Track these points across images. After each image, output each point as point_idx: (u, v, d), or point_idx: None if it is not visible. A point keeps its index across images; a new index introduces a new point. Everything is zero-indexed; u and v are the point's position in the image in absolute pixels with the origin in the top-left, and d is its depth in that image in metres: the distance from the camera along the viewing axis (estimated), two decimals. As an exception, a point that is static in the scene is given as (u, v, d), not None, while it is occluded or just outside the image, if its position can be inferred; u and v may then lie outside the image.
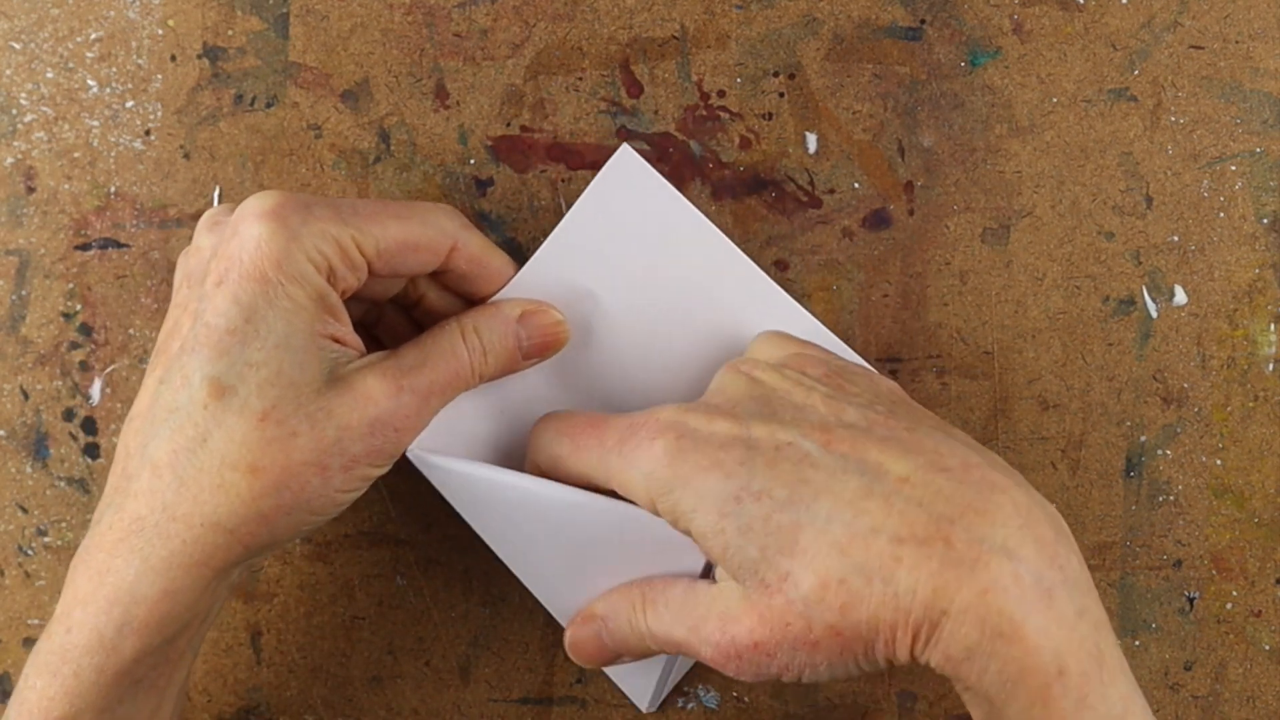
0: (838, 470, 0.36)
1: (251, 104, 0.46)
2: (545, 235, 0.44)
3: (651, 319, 0.45)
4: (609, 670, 0.46)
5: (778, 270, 0.46)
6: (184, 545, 0.37)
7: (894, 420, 0.37)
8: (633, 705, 0.46)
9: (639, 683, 0.46)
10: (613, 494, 0.40)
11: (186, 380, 0.37)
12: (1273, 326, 0.46)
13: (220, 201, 0.46)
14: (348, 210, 0.39)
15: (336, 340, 0.38)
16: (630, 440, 0.38)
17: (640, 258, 0.45)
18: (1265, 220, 0.46)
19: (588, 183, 0.44)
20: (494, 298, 0.43)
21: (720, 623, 0.37)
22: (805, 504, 0.35)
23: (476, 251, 0.42)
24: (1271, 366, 0.46)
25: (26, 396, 0.46)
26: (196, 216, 0.46)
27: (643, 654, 0.41)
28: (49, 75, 0.46)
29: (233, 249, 0.37)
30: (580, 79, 0.46)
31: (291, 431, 0.37)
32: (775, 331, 0.44)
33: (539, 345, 0.43)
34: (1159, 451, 0.46)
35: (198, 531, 0.37)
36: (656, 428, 0.38)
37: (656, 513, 0.38)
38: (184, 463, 0.37)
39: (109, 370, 0.46)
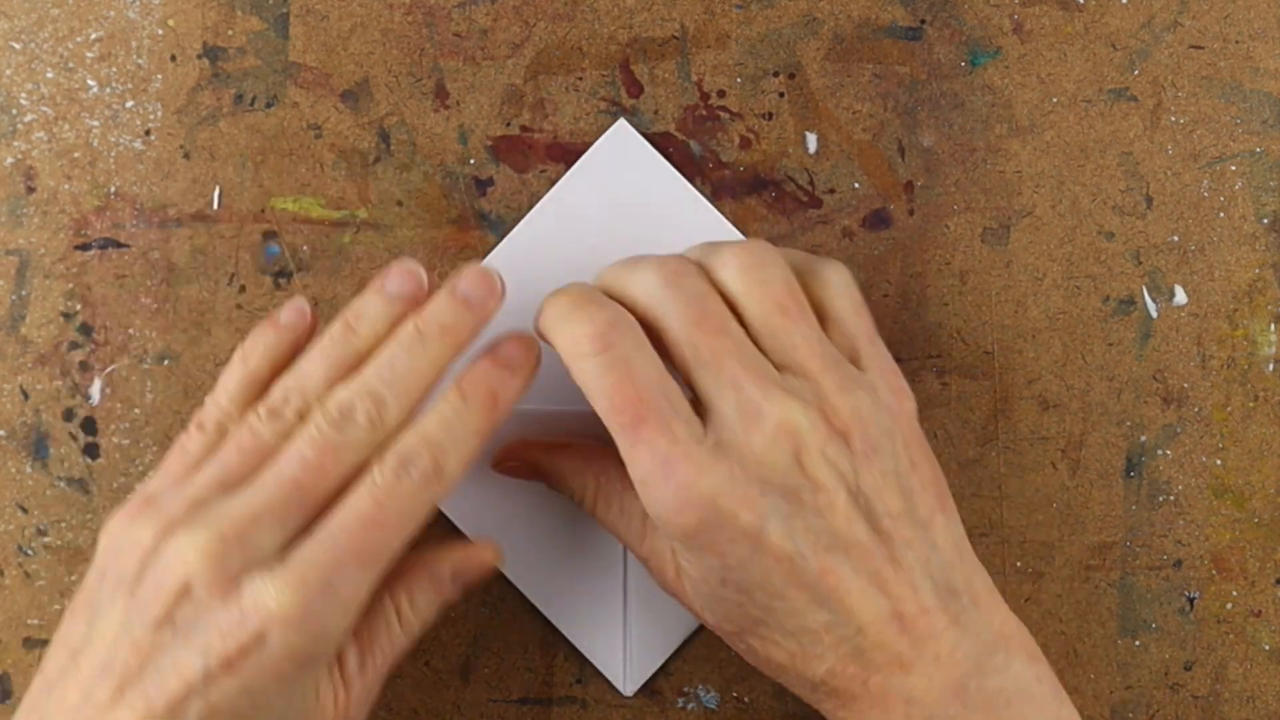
0: (814, 602, 0.37)
1: (251, 104, 0.46)
2: (545, 235, 0.44)
3: None
4: (590, 656, 0.46)
5: (778, 270, 0.46)
6: None
7: (897, 530, 0.38)
8: (633, 705, 0.46)
9: (610, 661, 0.46)
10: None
11: None
12: (1273, 326, 0.46)
13: (220, 202, 0.46)
14: (370, 557, 0.37)
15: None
16: (662, 479, 0.37)
17: (632, 230, 0.45)
18: (1265, 220, 0.46)
19: (588, 183, 0.45)
20: (463, 273, 0.41)
21: (674, 580, 0.40)
22: (777, 616, 0.38)
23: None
24: (1271, 366, 0.46)
25: (26, 396, 0.46)
26: (196, 216, 0.46)
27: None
28: (49, 75, 0.46)
29: (247, 643, 0.35)
30: (580, 79, 0.46)
31: None
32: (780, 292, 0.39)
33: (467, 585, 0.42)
34: (1159, 451, 0.46)
35: None
36: (695, 498, 0.36)
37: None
38: None
39: (109, 370, 0.46)
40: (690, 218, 0.45)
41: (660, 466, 0.36)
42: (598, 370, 0.37)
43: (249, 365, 0.40)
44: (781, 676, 0.39)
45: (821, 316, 0.39)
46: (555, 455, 0.43)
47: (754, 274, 0.38)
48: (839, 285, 0.40)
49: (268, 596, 0.36)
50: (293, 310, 0.41)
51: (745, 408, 0.37)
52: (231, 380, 0.40)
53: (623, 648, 0.46)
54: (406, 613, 0.40)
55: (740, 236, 0.45)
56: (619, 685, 0.46)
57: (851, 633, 0.37)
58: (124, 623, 0.36)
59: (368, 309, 0.39)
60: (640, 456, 0.37)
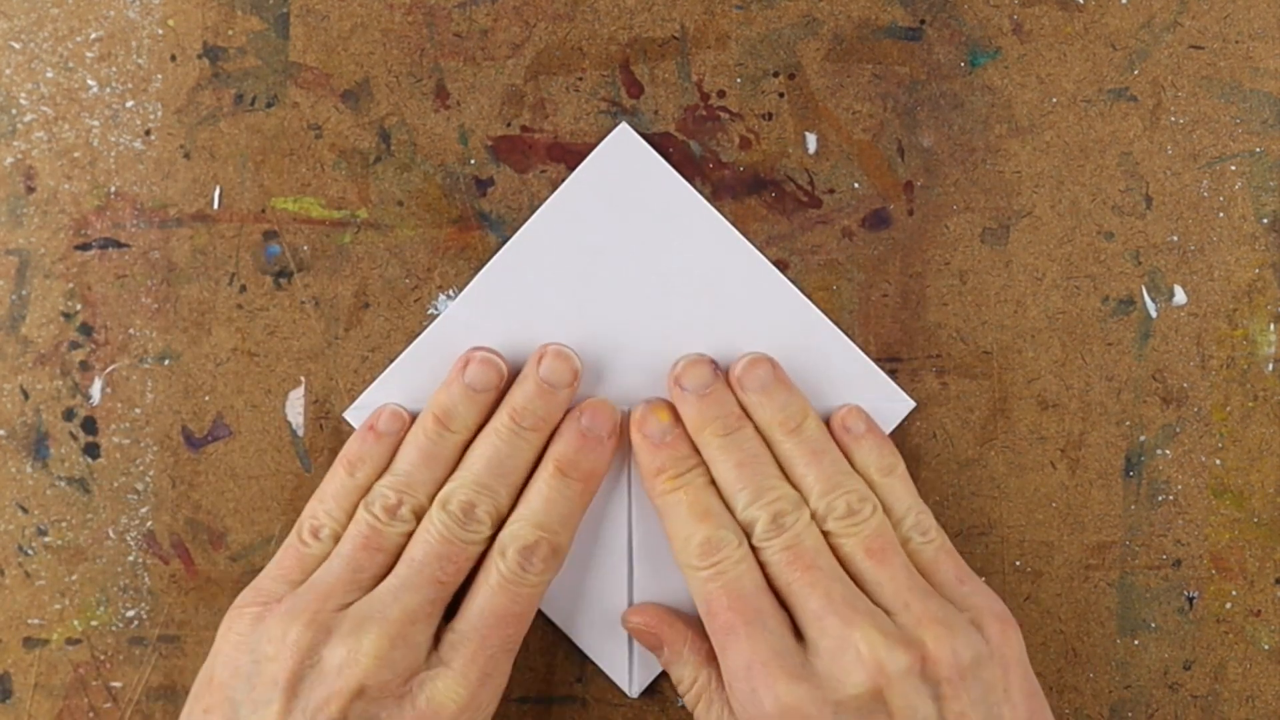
0: None
1: (252, 104, 0.46)
2: (545, 235, 0.44)
3: (643, 295, 0.45)
4: (595, 657, 0.46)
5: (778, 270, 0.46)
6: None
7: None
8: (633, 705, 0.47)
9: (615, 662, 0.46)
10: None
11: None
12: (1272, 326, 0.46)
13: (221, 202, 0.46)
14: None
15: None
16: (745, 682, 0.40)
17: (634, 234, 0.45)
18: (1265, 220, 0.46)
19: (588, 183, 0.44)
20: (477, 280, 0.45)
21: None
22: None
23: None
24: (1271, 366, 0.46)
25: (26, 396, 0.46)
26: (196, 216, 0.46)
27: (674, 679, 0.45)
28: (49, 75, 0.46)
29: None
30: (580, 79, 0.46)
31: None
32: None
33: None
34: (1158, 451, 0.46)
35: None
36: (772, 706, 0.40)
37: None
38: None
39: (109, 370, 0.46)
40: (692, 221, 0.45)
41: (744, 671, 0.40)
42: (705, 578, 0.42)
43: (357, 478, 0.43)
44: None
45: (914, 556, 0.43)
46: (683, 641, 0.44)
47: (849, 519, 0.42)
48: (929, 530, 0.43)
49: (443, 694, 0.40)
50: (392, 418, 0.44)
51: (832, 637, 0.40)
52: (337, 489, 0.43)
53: (628, 649, 0.46)
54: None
55: (744, 242, 0.45)
56: (624, 686, 0.46)
57: None
58: None
59: (458, 409, 0.43)
60: (728, 660, 0.41)
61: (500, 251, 0.45)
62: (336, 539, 0.43)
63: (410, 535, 0.42)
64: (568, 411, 0.44)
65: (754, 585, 0.41)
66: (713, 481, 0.43)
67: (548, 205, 0.45)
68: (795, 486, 0.43)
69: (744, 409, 0.44)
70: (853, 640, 0.40)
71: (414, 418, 0.44)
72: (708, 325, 0.45)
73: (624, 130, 0.45)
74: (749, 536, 0.42)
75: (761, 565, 0.42)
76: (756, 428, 0.44)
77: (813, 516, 0.42)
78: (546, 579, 0.42)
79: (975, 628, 0.41)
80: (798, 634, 0.41)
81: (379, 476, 0.43)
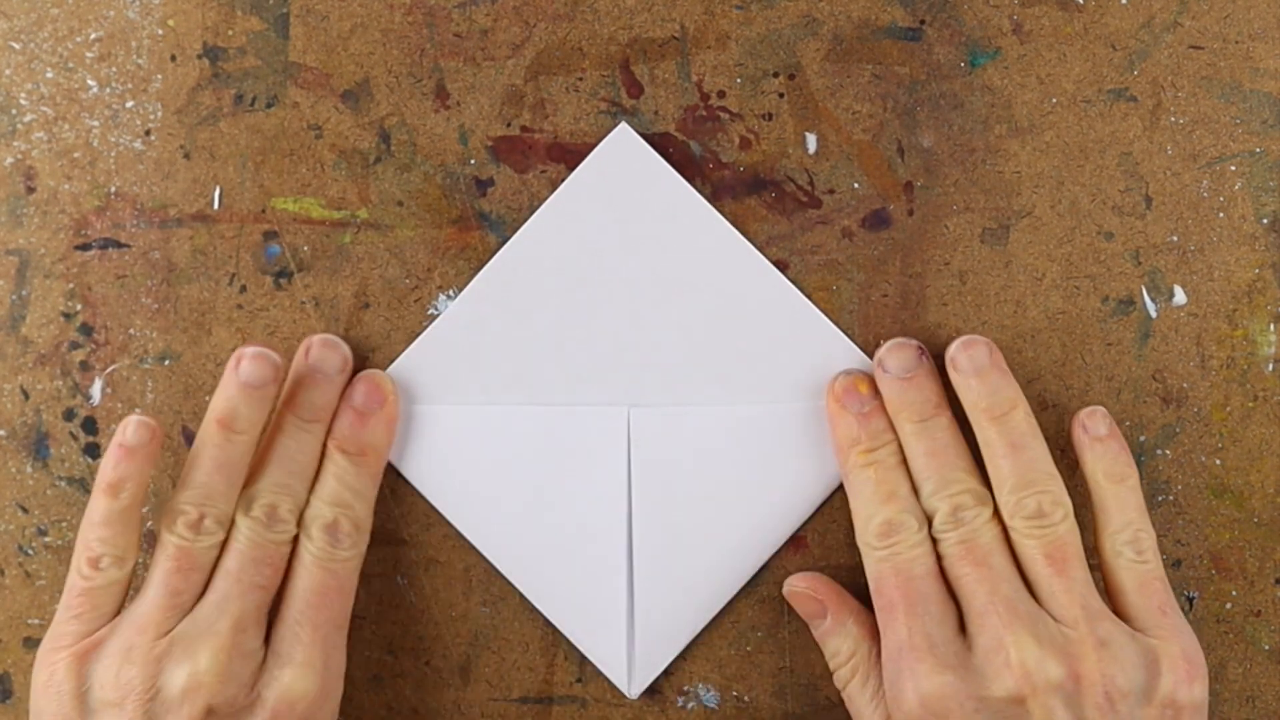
0: None
1: (252, 104, 0.46)
2: (545, 235, 0.44)
3: (643, 295, 0.45)
4: (594, 658, 0.46)
5: (778, 270, 0.46)
6: None
7: None
8: (633, 705, 0.47)
9: (614, 663, 0.46)
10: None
11: None
12: (1272, 326, 0.46)
13: (221, 202, 0.46)
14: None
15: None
16: (896, 662, 0.41)
17: (634, 234, 0.45)
18: (1265, 220, 0.46)
19: (588, 183, 0.45)
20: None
21: None
22: None
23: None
24: (1271, 366, 0.46)
25: (26, 396, 0.47)
26: (197, 216, 0.46)
27: (826, 652, 0.45)
28: (49, 75, 0.46)
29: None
30: (580, 79, 0.46)
31: None
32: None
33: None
34: (1158, 451, 0.46)
35: None
36: (915, 689, 0.40)
37: None
38: None
39: (109, 370, 0.46)
40: (692, 221, 0.45)
41: (896, 651, 0.41)
42: (877, 558, 0.42)
43: (122, 500, 0.41)
44: None
45: (1109, 577, 0.43)
46: (849, 611, 0.45)
47: (1036, 520, 0.42)
48: (1145, 550, 0.42)
49: (292, 689, 0.41)
50: (139, 428, 0.42)
51: (989, 635, 0.40)
52: (104, 512, 0.41)
53: (627, 650, 0.46)
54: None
55: (744, 242, 0.45)
56: (623, 688, 0.46)
57: None
58: None
59: (239, 409, 0.43)
60: (886, 639, 0.42)
61: (500, 251, 0.46)
62: (119, 564, 0.41)
63: (219, 546, 0.42)
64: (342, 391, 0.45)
65: (925, 570, 0.42)
66: (903, 461, 0.43)
67: (547, 205, 0.45)
68: (990, 476, 0.43)
69: (955, 389, 0.44)
70: (1006, 642, 0.40)
71: (162, 427, 0.43)
72: (707, 325, 0.45)
73: (624, 130, 0.45)
74: (930, 524, 0.42)
75: (939, 556, 0.42)
76: (965, 408, 0.43)
77: (998, 510, 0.42)
78: (357, 552, 0.43)
79: (1153, 662, 0.40)
80: (964, 629, 0.41)
81: (143, 493, 0.42)
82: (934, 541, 0.42)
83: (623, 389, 0.45)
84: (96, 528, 0.41)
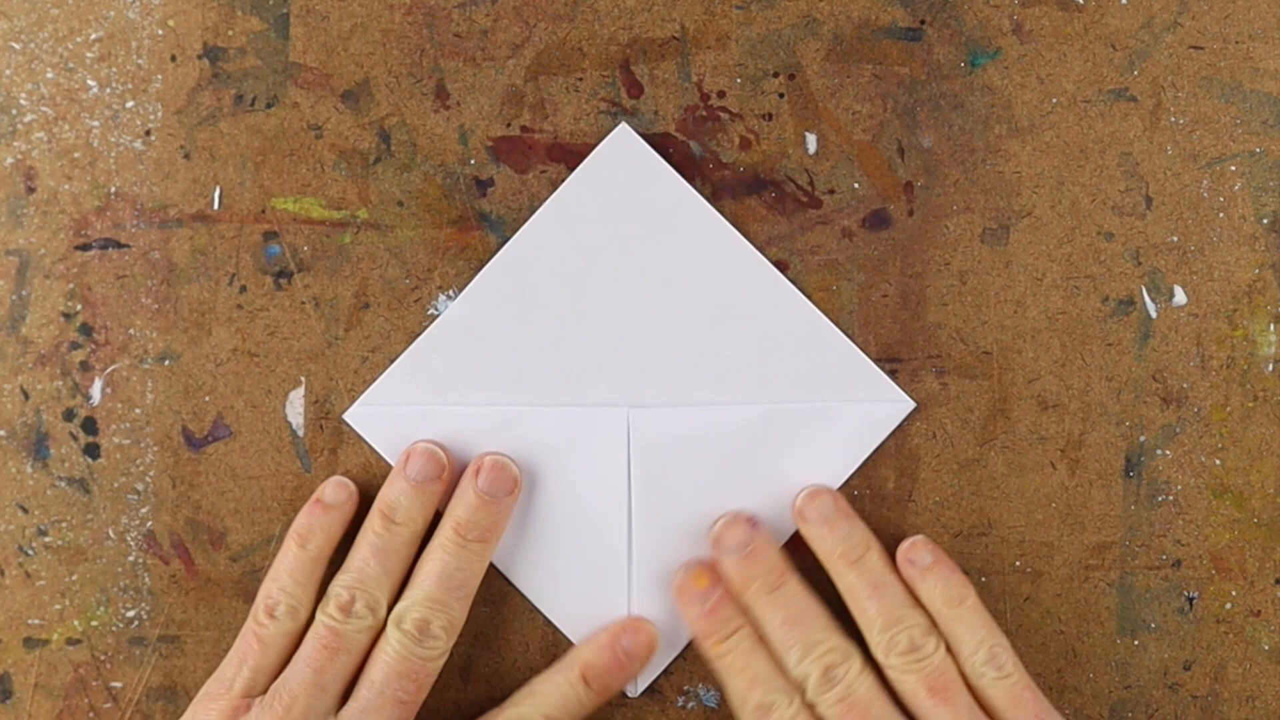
0: None
1: (252, 104, 0.46)
2: (545, 235, 0.44)
3: (643, 295, 0.45)
4: None
5: (778, 270, 0.46)
6: None
7: None
8: (632, 704, 0.47)
9: None
10: None
11: None
12: (1272, 326, 0.46)
13: (221, 202, 0.46)
14: None
15: None
16: None
17: (634, 234, 0.45)
18: (1265, 220, 0.46)
19: (588, 183, 0.45)
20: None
21: None
22: None
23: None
24: (1271, 366, 0.46)
25: (26, 396, 0.47)
26: (196, 217, 0.46)
27: None
28: (49, 75, 0.46)
29: None
30: (580, 79, 0.46)
31: None
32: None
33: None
34: (1158, 451, 0.46)
35: None
36: None
37: None
38: None
39: (109, 370, 0.46)
40: (691, 221, 0.45)
41: None
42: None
43: (309, 550, 0.44)
44: None
45: (979, 697, 0.43)
46: None
47: (912, 655, 0.42)
48: (1005, 665, 0.43)
49: None
50: (338, 488, 0.45)
51: None
52: (291, 563, 0.44)
53: None
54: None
55: (744, 242, 0.45)
56: (625, 687, 0.46)
57: None
58: None
59: (401, 502, 0.44)
60: None
61: (500, 251, 0.46)
62: (293, 615, 0.43)
63: (369, 632, 0.43)
64: (466, 469, 0.45)
65: None
66: (759, 640, 0.44)
67: (548, 205, 0.45)
68: (857, 619, 0.43)
69: (807, 540, 0.45)
70: None
71: (359, 491, 0.45)
72: (707, 326, 0.45)
73: (624, 130, 0.45)
74: (804, 693, 0.42)
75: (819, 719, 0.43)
76: (820, 557, 0.44)
77: (868, 654, 0.43)
78: (441, 650, 0.43)
79: None
80: None
81: (330, 549, 0.44)
82: (810, 707, 0.42)
83: (622, 389, 0.45)
84: (281, 576, 0.43)
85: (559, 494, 0.45)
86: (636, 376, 0.45)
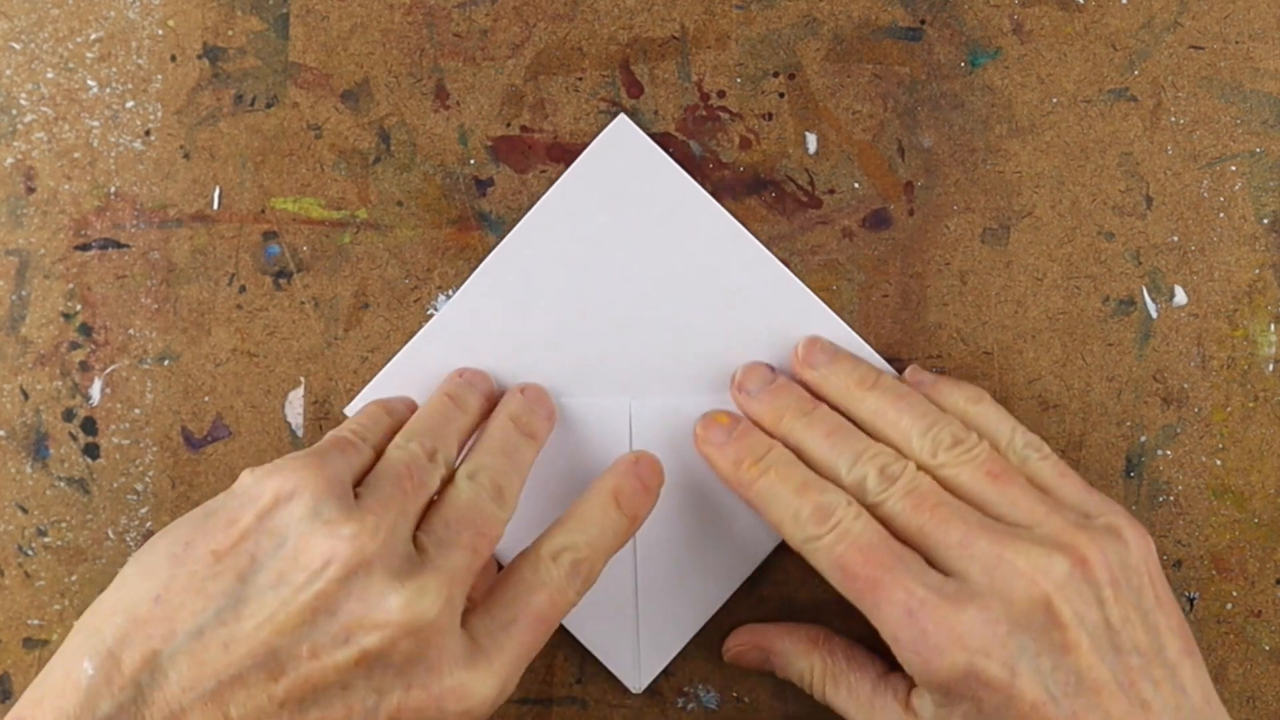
0: None
1: (251, 104, 0.46)
2: (545, 235, 0.44)
3: (644, 287, 0.45)
4: (598, 653, 0.46)
5: (779, 262, 0.46)
6: None
7: (1145, 670, 0.38)
8: (632, 705, 0.46)
9: (620, 658, 0.46)
10: None
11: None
12: (1273, 326, 0.46)
13: (220, 202, 0.46)
14: (470, 541, 0.39)
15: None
16: (911, 628, 0.38)
17: (634, 226, 0.45)
18: (1265, 220, 0.46)
19: (588, 183, 0.44)
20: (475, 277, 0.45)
21: None
22: None
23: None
24: (1271, 367, 0.46)
25: (26, 396, 0.46)
26: (196, 216, 0.46)
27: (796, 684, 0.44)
28: (49, 75, 0.46)
29: (380, 619, 0.36)
30: (580, 79, 0.46)
31: None
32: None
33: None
34: (1159, 452, 0.46)
35: None
36: (944, 642, 0.38)
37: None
38: None
39: (109, 370, 0.46)
40: (692, 212, 0.45)
41: (906, 617, 0.38)
42: (828, 545, 0.39)
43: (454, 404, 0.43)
44: None
45: (1034, 475, 0.42)
46: (784, 637, 0.44)
47: (959, 448, 0.41)
48: (1043, 446, 0.42)
49: (477, 686, 0.37)
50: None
51: (983, 559, 0.38)
52: (433, 407, 0.43)
53: (634, 645, 0.46)
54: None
55: (745, 233, 0.45)
56: (629, 682, 0.46)
57: None
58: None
59: (462, 392, 0.44)
60: (884, 613, 0.38)
61: (500, 244, 0.45)
62: (376, 446, 0.41)
63: (440, 481, 0.40)
64: (623, 456, 0.43)
65: (881, 536, 0.39)
66: (797, 460, 0.42)
67: (547, 197, 0.45)
68: (893, 437, 0.42)
69: (817, 389, 0.44)
70: (1006, 557, 0.38)
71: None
72: (710, 317, 0.45)
73: (622, 121, 0.45)
74: (861, 499, 0.40)
75: (883, 521, 0.40)
76: (836, 398, 0.43)
77: (919, 460, 0.41)
78: (508, 515, 0.41)
79: (1118, 537, 0.39)
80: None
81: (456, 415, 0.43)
82: (871, 510, 0.40)
83: (624, 380, 0.45)
84: (422, 419, 0.42)
85: (562, 487, 0.45)
86: (638, 367, 0.45)
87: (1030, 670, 0.37)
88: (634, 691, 0.46)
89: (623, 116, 0.45)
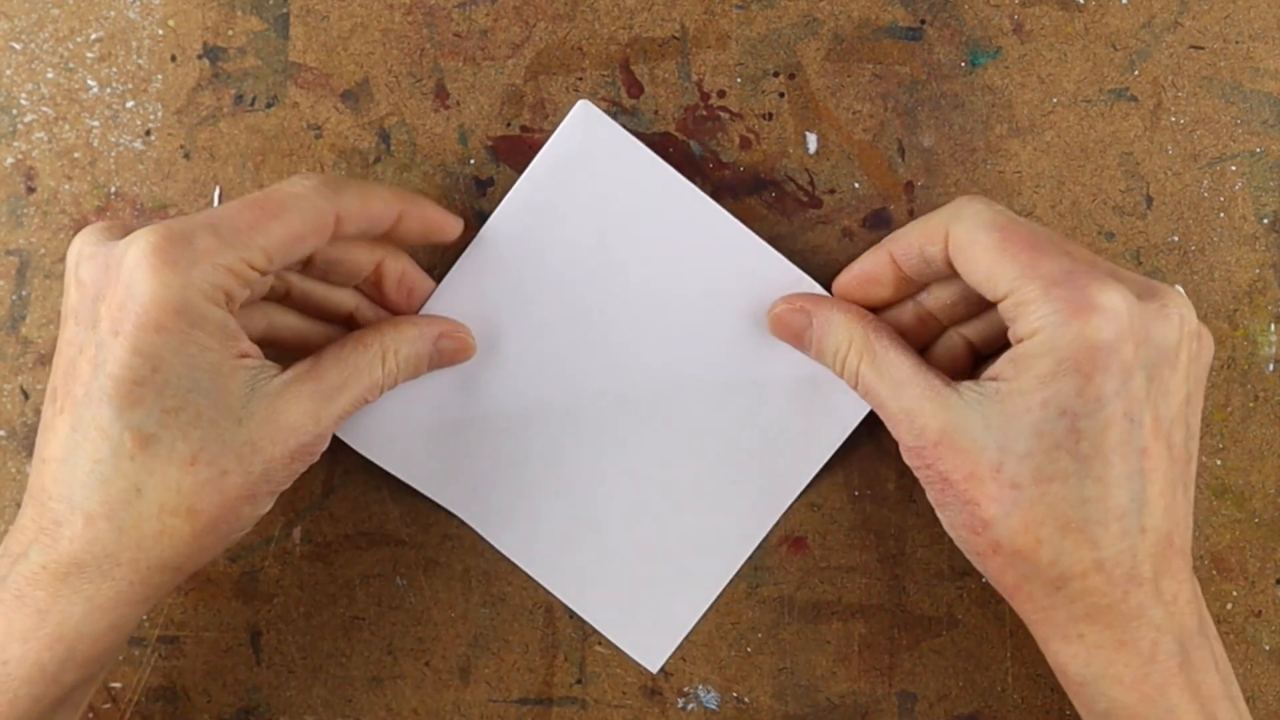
0: (1125, 478, 0.37)
1: (251, 104, 0.46)
2: (545, 235, 0.44)
3: (620, 269, 0.45)
4: (612, 636, 0.46)
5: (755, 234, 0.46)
6: (130, 586, 0.38)
7: (1193, 459, 0.40)
8: (632, 705, 0.46)
9: (651, 646, 0.46)
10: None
11: (104, 432, 0.36)
12: (1273, 326, 0.46)
13: (221, 202, 0.46)
14: (228, 230, 0.38)
15: (245, 356, 0.38)
16: (1067, 287, 0.38)
17: (605, 211, 0.45)
18: (1265, 220, 0.46)
19: (588, 183, 0.44)
20: (439, 288, 0.45)
21: (937, 433, 0.39)
22: (1083, 476, 0.37)
23: (358, 211, 0.40)
24: (1271, 366, 0.46)
25: (26, 396, 0.46)
26: (196, 216, 0.46)
27: (829, 363, 0.43)
28: (49, 75, 0.46)
29: (121, 298, 0.36)
30: (580, 79, 0.46)
31: (221, 470, 0.37)
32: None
33: (443, 363, 0.44)
34: (1159, 451, 0.46)
35: (144, 573, 0.38)
36: (1098, 303, 0.37)
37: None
38: (120, 513, 0.37)
39: (109, 370, 0.46)
40: (666, 193, 0.45)
41: (1066, 276, 0.37)
42: (994, 212, 0.39)
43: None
44: (1029, 561, 0.38)
45: None
46: (834, 305, 0.43)
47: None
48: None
49: (129, 246, 0.37)
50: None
51: (1141, 285, 0.39)
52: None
53: (648, 625, 0.46)
54: (391, 360, 0.42)
55: (718, 209, 0.45)
56: (646, 662, 0.46)
57: (1134, 530, 0.37)
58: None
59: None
60: (1044, 267, 0.38)
61: (470, 245, 0.45)
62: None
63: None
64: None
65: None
66: None
67: (514, 192, 0.44)
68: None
69: (962, 270, 0.41)
70: (1162, 291, 0.39)
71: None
72: (691, 294, 0.45)
73: (584, 106, 0.45)
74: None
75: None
76: (977, 273, 0.41)
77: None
78: (326, 204, 0.40)
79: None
80: None
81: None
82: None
83: (608, 369, 0.45)
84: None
85: (560, 474, 0.45)
86: (622, 356, 0.45)
87: (1143, 380, 0.37)
88: (652, 671, 0.46)
89: (584, 101, 0.45)
